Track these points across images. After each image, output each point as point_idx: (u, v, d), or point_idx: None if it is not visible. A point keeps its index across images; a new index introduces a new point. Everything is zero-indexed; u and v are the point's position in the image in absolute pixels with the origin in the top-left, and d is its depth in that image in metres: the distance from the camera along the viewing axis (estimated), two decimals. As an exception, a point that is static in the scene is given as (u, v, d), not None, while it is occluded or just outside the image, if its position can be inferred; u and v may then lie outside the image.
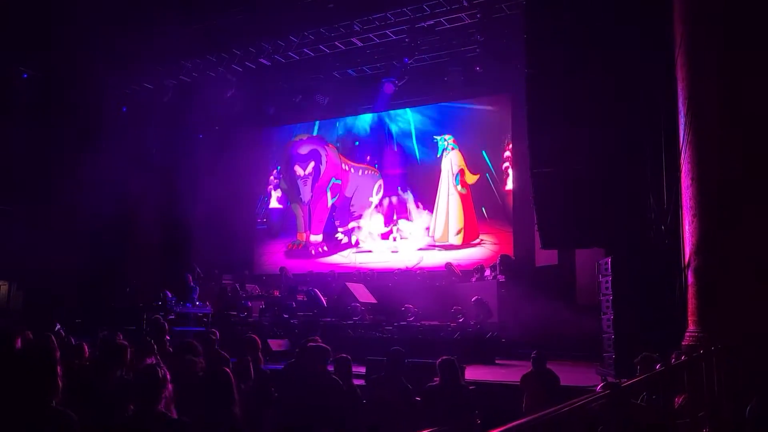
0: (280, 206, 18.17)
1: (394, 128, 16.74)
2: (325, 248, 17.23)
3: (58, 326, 9.05)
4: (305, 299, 13.37)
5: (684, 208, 7.05)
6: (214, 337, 6.91)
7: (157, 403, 3.41)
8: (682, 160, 7.06)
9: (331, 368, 5.80)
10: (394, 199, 16.48)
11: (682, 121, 7.11)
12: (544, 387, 6.63)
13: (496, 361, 10.60)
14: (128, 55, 14.43)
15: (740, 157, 6.57)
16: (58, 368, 3.06)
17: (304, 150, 18.01)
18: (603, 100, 8.40)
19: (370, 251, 16.55)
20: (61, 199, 15.32)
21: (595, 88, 8.43)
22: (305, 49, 14.62)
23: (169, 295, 12.36)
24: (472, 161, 15.65)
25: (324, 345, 5.26)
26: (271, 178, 18.40)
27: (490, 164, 15.36)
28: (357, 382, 6.09)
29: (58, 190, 15.21)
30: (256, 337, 6.36)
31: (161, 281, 13.29)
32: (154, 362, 3.60)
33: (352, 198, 17.19)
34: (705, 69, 6.91)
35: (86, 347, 6.05)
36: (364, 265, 16.22)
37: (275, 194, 18.25)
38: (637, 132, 8.45)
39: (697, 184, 6.81)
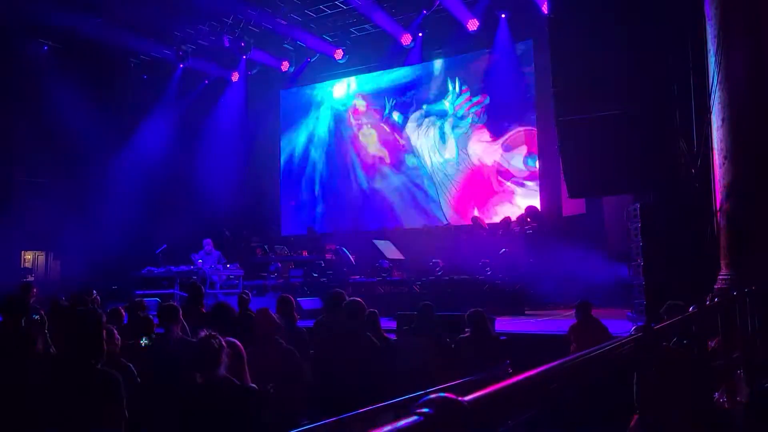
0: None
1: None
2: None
3: (95, 293, 9.28)
4: (334, 258, 13.49)
5: (714, 151, 6.91)
6: (246, 298, 7.06)
7: (217, 371, 3.54)
8: (712, 102, 6.88)
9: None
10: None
11: (712, 61, 6.91)
12: (594, 337, 6.30)
13: (526, 312, 10.68)
14: (145, 21, 14.38)
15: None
16: (104, 334, 3.28)
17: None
18: (629, 45, 8.17)
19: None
20: (91, 168, 15.57)
21: (621, 32, 8.20)
22: (321, 6, 14.44)
23: (199, 261, 12.58)
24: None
25: (357, 298, 5.33)
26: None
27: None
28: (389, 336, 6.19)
29: (89, 160, 15.44)
30: (291, 297, 6.49)
31: (191, 245, 13.48)
32: (207, 333, 3.66)
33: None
34: (736, 6, 6.68)
35: (123, 311, 6.32)
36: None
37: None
38: (665, 75, 8.23)
39: (728, 126, 6.66)
